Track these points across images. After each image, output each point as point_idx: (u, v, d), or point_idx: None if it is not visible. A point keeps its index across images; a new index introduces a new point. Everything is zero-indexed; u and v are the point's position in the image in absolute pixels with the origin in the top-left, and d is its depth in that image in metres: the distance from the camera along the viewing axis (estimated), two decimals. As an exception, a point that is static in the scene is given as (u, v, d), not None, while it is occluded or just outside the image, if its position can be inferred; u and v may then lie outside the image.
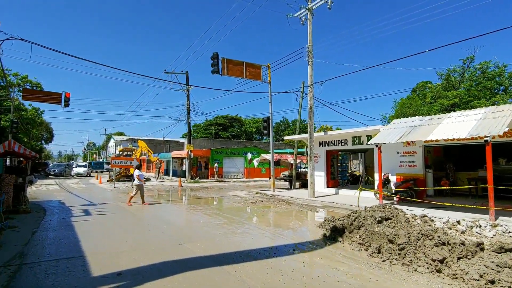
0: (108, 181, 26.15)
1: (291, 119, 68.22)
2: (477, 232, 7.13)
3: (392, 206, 7.45)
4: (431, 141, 9.95)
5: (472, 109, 11.55)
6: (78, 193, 16.98)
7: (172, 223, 9.11)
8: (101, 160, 64.76)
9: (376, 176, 13.69)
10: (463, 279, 4.34)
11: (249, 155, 28.74)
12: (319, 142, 17.21)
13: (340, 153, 18.54)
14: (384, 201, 11.66)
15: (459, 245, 5.05)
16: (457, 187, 11.74)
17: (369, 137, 14.60)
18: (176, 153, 33.69)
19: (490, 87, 31.43)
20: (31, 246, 6.31)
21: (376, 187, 13.50)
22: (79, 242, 6.57)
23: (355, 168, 25.20)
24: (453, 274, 4.50)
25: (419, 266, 4.88)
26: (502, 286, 4.01)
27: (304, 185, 20.09)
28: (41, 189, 19.18)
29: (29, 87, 30.55)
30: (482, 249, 5.03)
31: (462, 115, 10.47)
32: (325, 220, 8.22)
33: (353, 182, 19.73)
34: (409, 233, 5.56)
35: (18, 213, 9.99)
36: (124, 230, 8.00)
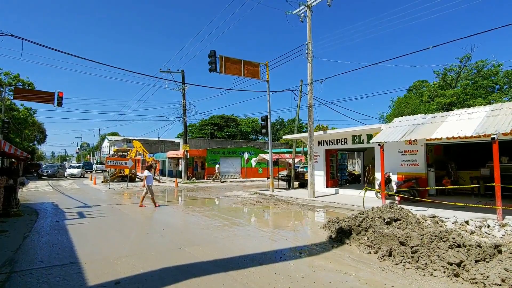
0: (102, 182, 25.63)
1: (286, 118, 68.15)
2: (486, 233, 6.93)
3: (399, 206, 7.22)
4: (436, 139, 9.77)
5: (470, 107, 11.40)
6: (71, 195, 16.52)
7: (171, 225, 8.78)
8: (90, 161, 64.46)
9: (378, 175, 13.50)
10: (484, 284, 4.11)
11: (246, 155, 28.44)
12: (318, 141, 16.98)
13: (339, 152, 18.34)
14: (386, 201, 11.46)
15: (476, 247, 4.83)
16: (461, 186, 11.57)
17: (370, 136, 14.43)
18: (171, 153, 33.23)
19: (486, 86, 31.54)
20: (22, 252, 5.95)
21: (377, 187, 13.32)
22: (73, 247, 6.22)
23: (353, 168, 25.04)
24: (473, 279, 4.26)
25: (435, 270, 4.65)
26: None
27: (302, 185, 19.86)
28: (34, 191, 18.67)
29: (21, 87, 29.85)
30: (500, 251, 4.82)
31: (466, 112, 10.29)
32: (329, 221, 7.98)
33: (352, 181, 19.56)
34: (421, 235, 5.32)
35: (9, 216, 9.58)
36: (121, 233, 7.66)
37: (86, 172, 41.20)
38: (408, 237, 5.39)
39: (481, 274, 4.27)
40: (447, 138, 9.50)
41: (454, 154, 14.95)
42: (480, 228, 7.13)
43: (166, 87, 26.35)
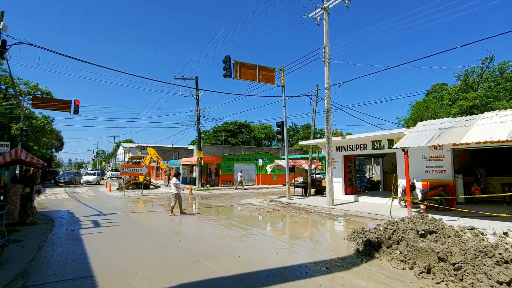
0: (117, 189, 25.72)
1: (299, 124, 67.48)
2: (530, 246, 6.30)
3: (431, 217, 6.68)
4: (465, 144, 9.15)
5: (494, 110, 10.70)
6: (87, 202, 16.50)
7: (186, 235, 8.47)
8: (103, 169, 66.55)
9: (400, 182, 12.86)
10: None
11: (260, 162, 28.00)
12: (336, 147, 16.46)
13: (357, 158, 17.74)
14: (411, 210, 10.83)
15: (529, 265, 4.28)
16: (495, 194, 10.81)
17: (391, 141, 13.83)
18: (185, 160, 33.17)
19: (510, 88, 30.24)
20: (36, 263, 5.73)
21: (399, 194, 12.67)
22: (88, 259, 5.97)
23: (372, 174, 24.25)
24: (531, 303, 3.73)
25: (484, 291, 4.13)
26: None
27: (319, 192, 19.29)
28: (51, 198, 18.80)
29: (39, 96, 30.55)
30: (558, 270, 4.25)
31: (497, 115, 9.64)
32: (354, 232, 7.49)
33: (371, 188, 18.86)
34: (463, 250, 4.81)
35: (25, 225, 9.50)
36: (135, 244, 7.38)
37: (102, 179, 42.00)
38: (448, 252, 4.87)
39: (542, 297, 3.74)
40: (477, 143, 8.88)
41: (482, 159, 14.13)
42: (523, 241, 6.49)
43: (180, 93, 26.26)
